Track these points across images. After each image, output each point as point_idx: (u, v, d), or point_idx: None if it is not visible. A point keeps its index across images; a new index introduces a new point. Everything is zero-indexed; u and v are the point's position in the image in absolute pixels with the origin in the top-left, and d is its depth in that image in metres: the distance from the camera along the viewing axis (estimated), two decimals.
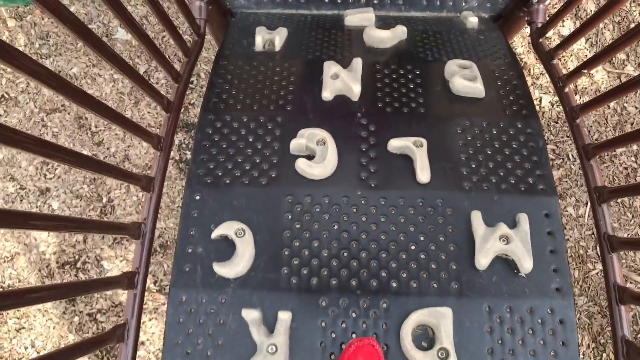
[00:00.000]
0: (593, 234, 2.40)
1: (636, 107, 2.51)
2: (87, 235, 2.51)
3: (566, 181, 2.48)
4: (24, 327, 2.46)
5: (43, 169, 2.57)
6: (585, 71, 1.22)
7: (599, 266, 2.35)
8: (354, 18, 1.54)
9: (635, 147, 2.45)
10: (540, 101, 2.60)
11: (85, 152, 2.56)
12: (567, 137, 2.51)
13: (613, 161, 2.46)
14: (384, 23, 1.56)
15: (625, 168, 2.44)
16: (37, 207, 2.54)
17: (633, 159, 2.45)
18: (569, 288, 1.05)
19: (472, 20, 1.54)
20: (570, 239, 2.40)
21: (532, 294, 1.04)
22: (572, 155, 2.48)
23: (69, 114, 2.59)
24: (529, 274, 1.05)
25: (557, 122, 2.54)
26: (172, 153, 2.54)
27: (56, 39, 2.69)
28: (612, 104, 2.52)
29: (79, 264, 2.49)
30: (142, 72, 2.61)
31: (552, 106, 2.57)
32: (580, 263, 2.39)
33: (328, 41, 1.47)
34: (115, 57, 1.06)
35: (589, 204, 2.40)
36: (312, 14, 1.67)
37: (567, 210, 2.43)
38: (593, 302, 2.37)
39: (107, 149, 2.56)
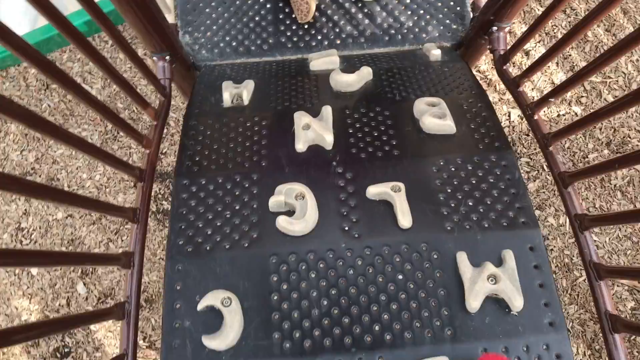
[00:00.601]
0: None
1: None
2: (71, 299, 2.45)
3: (543, 192, 2.50)
4: None
5: (18, 235, 2.51)
6: (553, 100, 1.24)
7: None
8: (318, 62, 1.55)
9: (606, 151, 2.50)
10: (509, 115, 2.63)
11: (60, 215, 2.51)
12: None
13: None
14: (348, 64, 1.57)
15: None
16: (15, 274, 2.48)
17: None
18: (561, 321, 1.05)
19: (435, 53, 1.56)
20: (554, 249, 2.42)
21: (526, 332, 1.04)
22: (546, 166, 2.51)
23: (39, 176, 2.55)
24: (520, 311, 1.05)
25: (528, 135, 2.57)
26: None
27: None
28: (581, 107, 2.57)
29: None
30: (111, 127, 2.58)
31: (522, 119, 2.60)
32: (566, 272, 2.40)
33: (295, 89, 1.47)
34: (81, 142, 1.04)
35: None
36: (277, 60, 1.67)
37: (547, 221, 2.45)
38: (584, 309, 2.38)
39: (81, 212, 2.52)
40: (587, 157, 2.49)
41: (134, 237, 1.19)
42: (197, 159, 1.28)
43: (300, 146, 1.27)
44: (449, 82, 1.44)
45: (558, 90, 1.24)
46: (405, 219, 1.13)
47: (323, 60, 1.55)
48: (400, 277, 1.10)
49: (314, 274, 1.11)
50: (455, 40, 1.67)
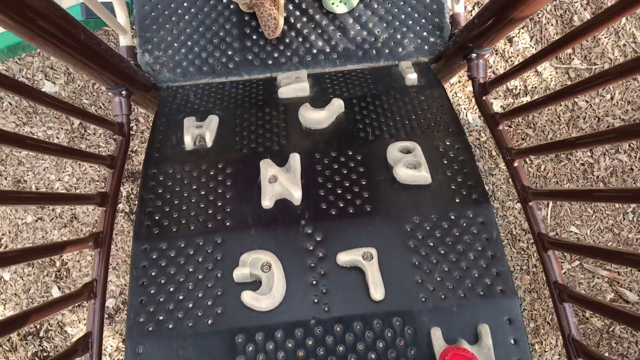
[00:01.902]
0: (555, 232, 2.40)
1: (587, 102, 2.48)
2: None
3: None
4: None
5: None
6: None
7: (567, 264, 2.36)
8: (287, 90, 1.45)
9: None
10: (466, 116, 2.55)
11: (29, 218, 2.43)
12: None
13: (570, 158, 2.43)
14: (319, 89, 1.47)
15: (582, 164, 2.43)
16: None
17: (589, 154, 2.44)
18: None
19: (411, 77, 1.46)
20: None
21: None
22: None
23: (5, 178, 2.45)
24: None
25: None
26: (121, 205, 2.44)
27: None
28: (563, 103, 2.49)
29: (41, 333, 2.40)
30: (77, 124, 2.46)
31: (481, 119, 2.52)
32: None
33: (262, 125, 1.37)
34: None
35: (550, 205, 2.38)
36: (244, 80, 1.57)
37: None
38: (542, 261, 2.38)
39: (53, 210, 2.44)
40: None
41: (104, 220, 1.22)
42: (157, 217, 1.20)
43: (267, 202, 1.19)
44: (426, 116, 1.36)
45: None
46: (377, 292, 1.08)
47: (292, 88, 1.45)
48: (372, 356, 1.05)
49: (282, 354, 1.06)
50: (433, 55, 1.57)
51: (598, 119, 2.46)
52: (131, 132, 2.49)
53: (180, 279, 1.13)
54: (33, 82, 2.48)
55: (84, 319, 2.41)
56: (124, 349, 2.32)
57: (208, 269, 1.13)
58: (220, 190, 1.24)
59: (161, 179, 1.26)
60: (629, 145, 2.44)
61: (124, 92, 1.37)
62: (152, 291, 1.12)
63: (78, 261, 2.42)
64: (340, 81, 1.50)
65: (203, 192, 1.24)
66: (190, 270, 1.13)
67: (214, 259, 1.14)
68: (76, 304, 1.08)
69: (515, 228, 2.40)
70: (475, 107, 2.50)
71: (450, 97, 2.53)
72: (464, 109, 2.51)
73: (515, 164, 1.24)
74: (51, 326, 2.40)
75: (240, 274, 1.10)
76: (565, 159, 2.43)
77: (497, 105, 2.48)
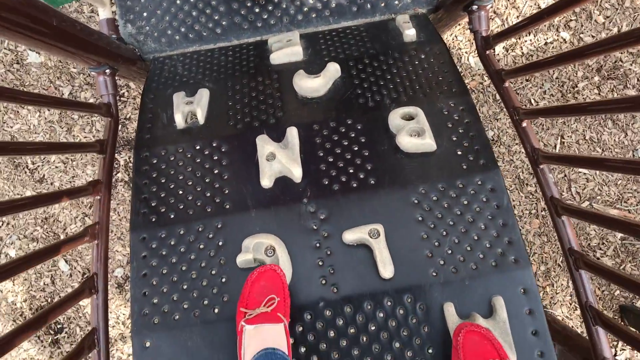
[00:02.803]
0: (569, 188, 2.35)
1: (593, 37, 2.38)
2: (54, 277, 2.41)
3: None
4: None
5: None
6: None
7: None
8: (279, 55, 1.37)
9: (597, 78, 2.35)
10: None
11: (28, 194, 2.40)
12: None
13: (576, 97, 2.35)
14: (313, 52, 1.39)
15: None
16: None
17: (596, 91, 2.35)
18: None
19: (409, 34, 1.38)
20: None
21: None
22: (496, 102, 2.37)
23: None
24: None
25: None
26: (119, 174, 2.39)
27: None
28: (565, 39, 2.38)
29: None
30: (67, 95, 2.39)
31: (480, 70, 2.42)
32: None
33: (256, 96, 1.31)
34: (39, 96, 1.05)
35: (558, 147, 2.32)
36: (233, 45, 1.48)
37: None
38: (556, 227, 2.36)
39: (51, 184, 2.40)
40: (577, 87, 2.34)
41: (101, 168, 1.22)
42: (154, 204, 1.15)
43: (266, 182, 1.14)
44: (427, 77, 1.28)
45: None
46: (386, 270, 1.04)
47: (284, 52, 1.37)
48: (385, 336, 1.03)
49: (291, 340, 1.03)
50: (431, 5, 1.48)
51: (605, 55, 2.35)
52: (122, 98, 2.41)
53: (182, 268, 1.09)
54: (17, 53, 2.39)
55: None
56: None
57: (210, 255, 1.10)
58: (216, 171, 1.19)
59: (154, 162, 1.21)
60: (638, 80, 2.36)
61: (107, 71, 1.30)
62: (155, 282, 1.08)
63: None
64: (335, 41, 1.42)
65: (199, 174, 1.19)
66: (192, 258, 1.10)
67: (215, 245, 1.10)
68: (80, 300, 1.05)
69: (523, 172, 2.35)
70: None
71: (450, 40, 2.42)
72: (465, 52, 2.41)
73: (524, 124, 1.17)
74: (61, 297, 2.40)
75: (243, 259, 1.06)
76: (572, 97, 2.35)
77: (499, 47, 2.38)
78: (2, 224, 2.41)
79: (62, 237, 2.40)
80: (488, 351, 0.93)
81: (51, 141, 1.01)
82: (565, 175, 2.30)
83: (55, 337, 2.41)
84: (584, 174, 2.32)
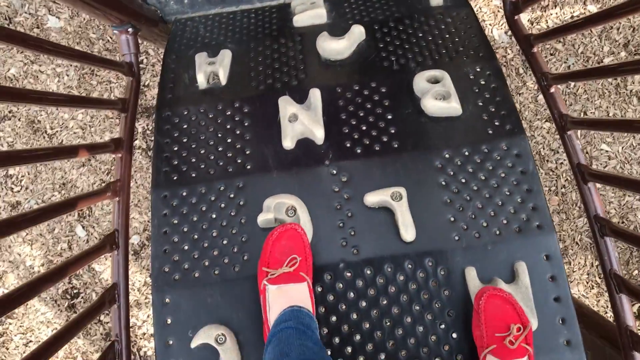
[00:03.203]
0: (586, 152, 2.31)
1: None
2: (71, 242, 2.43)
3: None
4: (31, 341, 2.45)
5: (7, 182, 2.43)
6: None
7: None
8: (302, 17, 1.35)
9: (623, 54, 2.30)
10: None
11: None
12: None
13: None
14: (337, 15, 1.37)
15: (615, 78, 2.30)
16: None
17: None
18: (578, 339, 0.99)
19: None
20: (565, 161, 2.31)
21: (540, 353, 0.98)
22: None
23: (19, 119, 2.41)
24: (535, 331, 0.98)
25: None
26: (137, 142, 2.40)
27: None
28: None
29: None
30: None
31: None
32: (576, 186, 2.32)
33: (279, 58, 1.29)
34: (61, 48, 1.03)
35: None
36: (256, 8, 1.46)
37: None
38: (582, 194, 2.33)
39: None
40: (603, 62, 2.30)
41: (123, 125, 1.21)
42: (175, 162, 1.15)
43: (288, 143, 1.13)
44: (453, 41, 1.26)
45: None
46: (408, 233, 1.03)
47: (308, 15, 1.35)
48: (405, 298, 1.02)
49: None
50: None
51: (633, 29, 2.31)
52: (141, 65, 2.41)
53: (203, 227, 1.09)
54: (37, 17, 2.38)
55: (110, 256, 2.43)
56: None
57: (231, 214, 1.09)
58: (238, 132, 1.18)
59: (176, 121, 1.20)
60: None
61: (130, 30, 1.29)
62: (176, 240, 1.08)
63: (100, 202, 2.41)
64: (360, 4, 1.39)
65: (220, 134, 1.18)
66: (213, 217, 1.09)
67: (236, 205, 1.10)
68: (101, 254, 1.06)
69: (544, 148, 2.32)
70: (502, 22, 2.36)
71: (475, 9, 2.38)
72: (489, 24, 2.37)
73: (552, 90, 1.15)
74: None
75: (264, 219, 1.06)
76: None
77: (524, 20, 2.34)
78: (21, 189, 2.43)
79: None
80: (509, 315, 0.92)
81: (73, 94, 1.00)
82: (587, 152, 2.27)
83: (72, 302, 2.44)
84: (606, 151, 2.29)
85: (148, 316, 2.38)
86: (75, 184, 2.41)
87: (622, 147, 2.29)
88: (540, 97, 2.31)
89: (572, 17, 2.32)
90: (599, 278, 2.28)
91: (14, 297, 0.80)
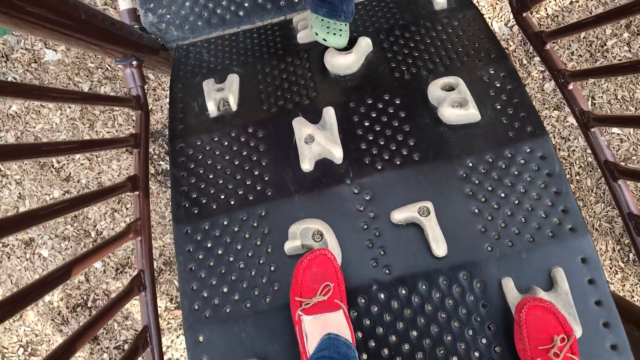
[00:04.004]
0: None
1: None
2: (88, 273, 2.41)
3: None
4: None
5: None
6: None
7: None
8: (307, 33, 1.33)
9: (626, 34, 2.27)
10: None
11: (56, 193, 2.39)
12: None
13: (606, 56, 2.28)
14: None
15: (620, 60, 2.28)
16: (27, 259, 2.42)
17: (626, 48, 2.28)
18: (624, 342, 0.96)
19: (440, 1, 1.33)
20: (576, 148, 2.29)
21: (586, 359, 0.96)
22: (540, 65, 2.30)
23: (25, 162, 2.39)
24: (579, 338, 0.96)
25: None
26: None
27: None
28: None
29: (89, 303, 2.42)
30: (87, 90, 2.37)
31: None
32: (590, 171, 2.30)
33: (287, 78, 1.27)
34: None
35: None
36: (257, 27, 1.44)
37: (567, 121, 2.30)
38: (610, 206, 2.31)
39: (78, 181, 2.39)
40: (606, 45, 2.27)
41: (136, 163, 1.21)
42: (194, 196, 1.13)
43: (307, 165, 1.11)
44: (463, 44, 1.24)
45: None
46: (439, 248, 1.01)
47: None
48: (442, 316, 1.00)
49: None
50: None
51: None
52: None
53: (229, 259, 1.07)
54: (33, 52, 2.37)
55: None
56: (172, 308, 2.34)
57: (257, 244, 1.07)
58: (254, 158, 1.15)
59: (190, 152, 1.18)
60: None
61: (134, 63, 1.27)
62: (203, 275, 1.06)
63: (112, 229, 2.40)
64: (362, 14, 1.37)
65: (237, 162, 1.16)
66: (238, 248, 1.07)
67: (261, 234, 1.08)
68: (130, 302, 1.04)
69: (555, 137, 2.30)
70: (501, 15, 2.34)
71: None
72: (489, 18, 2.35)
73: (570, 87, 1.12)
74: (97, 295, 2.41)
75: (291, 247, 1.04)
76: (601, 56, 2.28)
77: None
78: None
79: (92, 234, 2.40)
80: (552, 326, 0.90)
81: (84, 139, 0.99)
82: None
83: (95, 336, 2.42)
84: (617, 134, 2.26)
85: (172, 341, 2.36)
86: (87, 216, 2.40)
87: (634, 129, 2.27)
88: (547, 85, 2.29)
89: (570, 2, 2.30)
90: (622, 263, 2.26)
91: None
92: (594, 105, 2.25)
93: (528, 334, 0.90)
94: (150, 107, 2.39)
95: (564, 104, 2.29)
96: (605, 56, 2.27)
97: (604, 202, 2.31)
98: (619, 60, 2.27)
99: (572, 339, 0.88)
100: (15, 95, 0.83)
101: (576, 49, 2.26)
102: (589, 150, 2.30)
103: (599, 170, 2.26)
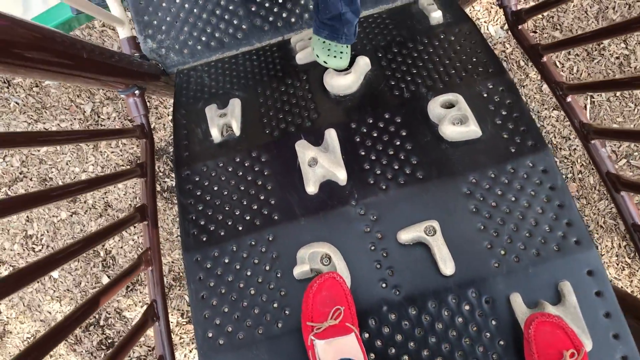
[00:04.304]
0: None
1: None
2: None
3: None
4: None
5: (28, 243, 2.44)
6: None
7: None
8: (305, 54, 1.35)
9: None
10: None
11: (64, 214, 2.41)
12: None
13: (602, 54, 2.29)
14: None
15: (617, 57, 2.29)
16: (38, 281, 2.44)
17: (623, 45, 2.29)
18: (634, 353, 0.98)
19: (435, 16, 1.34)
20: (577, 147, 2.30)
21: None
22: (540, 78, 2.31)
23: (31, 179, 2.41)
24: (590, 351, 0.97)
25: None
26: None
27: None
28: None
29: (102, 322, 2.44)
30: (89, 111, 2.39)
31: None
32: (592, 168, 2.31)
33: (288, 100, 1.28)
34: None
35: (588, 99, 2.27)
36: (256, 48, 1.46)
37: (567, 121, 2.30)
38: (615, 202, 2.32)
39: (85, 202, 2.41)
40: (603, 43, 2.28)
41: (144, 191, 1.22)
42: (202, 223, 1.14)
43: (311, 188, 1.13)
44: (460, 59, 1.25)
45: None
46: (447, 267, 1.02)
47: (310, 51, 1.34)
48: (453, 333, 1.01)
49: None
50: None
51: (629, 5, 2.29)
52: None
53: (240, 286, 1.08)
54: (32, 79, 2.38)
55: (140, 302, 2.44)
56: (184, 323, 2.36)
57: (266, 269, 1.09)
58: (260, 182, 1.17)
59: (196, 179, 1.20)
60: None
61: (137, 92, 1.29)
62: (214, 303, 1.08)
63: (121, 247, 2.42)
64: (359, 32, 1.38)
65: (243, 187, 1.17)
66: (248, 274, 1.09)
67: (269, 259, 1.09)
68: (146, 331, 1.06)
69: (555, 137, 2.31)
70: (497, 18, 2.35)
71: (467, 10, 2.37)
72: (484, 22, 2.36)
73: (569, 99, 1.14)
74: (109, 314, 2.43)
75: (300, 272, 1.05)
76: (597, 55, 2.29)
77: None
78: (42, 247, 2.44)
79: (101, 253, 2.42)
80: (561, 341, 0.91)
81: (92, 177, 1.00)
82: None
83: (107, 352, 2.44)
84: None
85: (185, 355, 2.38)
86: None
87: (634, 125, 2.28)
88: (545, 87, 2.30)
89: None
90: (629, 258, 2.27)
91: None
92: (593, 103, 2.26)
93: (537, 350, 0.91)
94: (153, 126, 2.40)
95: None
96: (602, 54, 2.28)
97: (607, 199, 2.32)
98: (617, 57, 2.28)
99: (582, 353, 0.89)
100: (25, 144, 0.85)
101: (572, 49, 2.27)
102: None
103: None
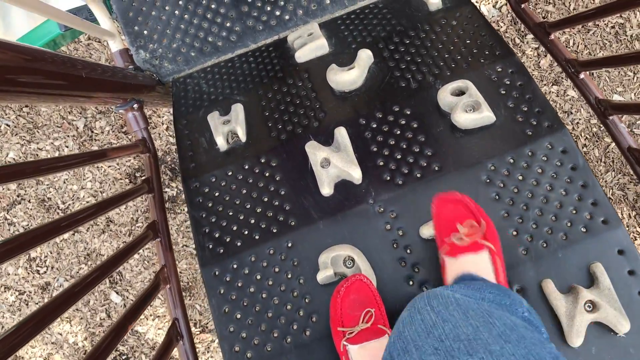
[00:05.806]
0: None
1: None
2: (109, 309, 2.39)
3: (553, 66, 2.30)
4: None
5: (32, 265, 2.39)
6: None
7: None
8: (305, 52, 1.31)
9: None
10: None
11: (65, 234, 2.37)
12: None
13: (597, 25, 2.26)
14: (338, 42, 1.32)
15: (612, 27, 2.26)
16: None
17: (617, 14, 2.26)
18: None
19: (434, 1, 1.30)
20: (580, 121, 2.28)
21: (639, 353, 0.94)
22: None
23: (29, 201, 2.37)
24: (628, 333, 0.94)
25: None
26: None
27: None
28: None
29: None
30: (82, 127, 2.34)
31: None
32: (596, 141, 2.29)
33: (292, 101, 1.25)
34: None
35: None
36: (252, 50, 1.42)
37: (567, 94, 2.28)
38: (621, 174, 2.30)
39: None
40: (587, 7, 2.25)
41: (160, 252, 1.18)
42: (217, 235, 1.11)
43: (326, 190, 1.09)
44: (465, 44, 1.21)
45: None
46: None
47: (309, 48, 1.30)
48: None
49: None
50: None
51: None
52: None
53: (262, 296, 1.05)
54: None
55: (151, 315, 2.40)
56: (197, 333, 2.32)
57: (287, 277, 1.06)
58: (272, 188, 1.14)
59: (206, 191, 1.16)
60: None
61: (135, 106, 1.25)
62: (239, 316, 1.05)
63: (128, 262, 2.38)
64: (357, 25, 1.35)
65: (255, 195, 1.14)
66: (270, 283, 1.06)
67: (290, 266, 1.06)
68: (172, 351, 1.03)
69: (557, 112, 2.28)
70: None
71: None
72: (476, 2, 2.32)
73: (582, 76, 1.11)
74: (152, 355, 2.40)
75: (324, 276, 1.02)
76: (593, 26, 2.26)
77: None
78: (47, 269, 2.39)
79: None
80: (462, 215, 0.94)
81: (100, 201, 0.96)
82: None
83: None
84: (619, 101, 2.24)
85: None
86: (99, 252, 2.38)
87: (635, 94, 2.26)
88: (542, 62, 2.27)
89: None
90: None
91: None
92: (592, 74, 2.24)
93: (438, 225, 0.96)
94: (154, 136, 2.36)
95: (563, 77, 2.27)
96: (597, 24, 2.26)
97: (614, 170, 2.30)
98: (612, 27, 2.25)
99: (483, 227, 0.90)
100: (33, 174, 0.81)
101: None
102: (593, 121, 2.28)
103: (605, 139, 2.25)
